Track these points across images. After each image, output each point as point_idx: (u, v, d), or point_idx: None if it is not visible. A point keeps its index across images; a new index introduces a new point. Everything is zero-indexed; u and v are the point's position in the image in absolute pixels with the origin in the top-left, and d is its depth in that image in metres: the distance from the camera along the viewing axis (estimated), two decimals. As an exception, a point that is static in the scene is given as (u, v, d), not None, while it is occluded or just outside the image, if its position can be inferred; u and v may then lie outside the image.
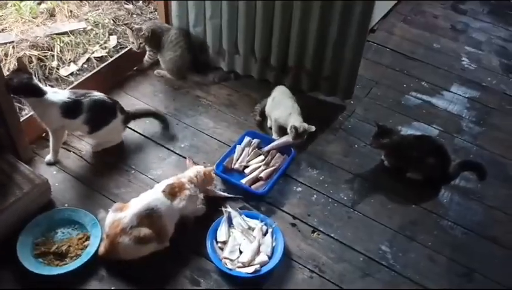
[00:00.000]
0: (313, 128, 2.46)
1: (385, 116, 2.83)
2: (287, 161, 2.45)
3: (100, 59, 3.08)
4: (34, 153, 2.42)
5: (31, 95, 2.16)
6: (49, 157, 2.38)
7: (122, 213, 1.93)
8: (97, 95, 2.35)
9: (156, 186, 2.07)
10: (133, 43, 2.85)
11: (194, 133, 2.64)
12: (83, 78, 2.80)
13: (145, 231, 1.90)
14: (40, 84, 2.21)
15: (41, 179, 2.12)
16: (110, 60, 2.96)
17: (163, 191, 2.01)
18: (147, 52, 2.95)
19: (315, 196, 2.35)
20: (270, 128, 2.65)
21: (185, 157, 2.45)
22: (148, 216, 1.92)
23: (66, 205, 2.19)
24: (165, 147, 2.54)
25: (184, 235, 2.10)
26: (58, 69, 2.98)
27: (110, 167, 2.40)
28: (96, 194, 2.27)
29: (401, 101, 2.97)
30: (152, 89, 2.91)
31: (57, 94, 2.25)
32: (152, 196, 1.99)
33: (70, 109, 2.25)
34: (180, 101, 2.84)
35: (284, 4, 2.60)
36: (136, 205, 1.96)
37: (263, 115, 2.71)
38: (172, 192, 2.02)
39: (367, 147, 2.58)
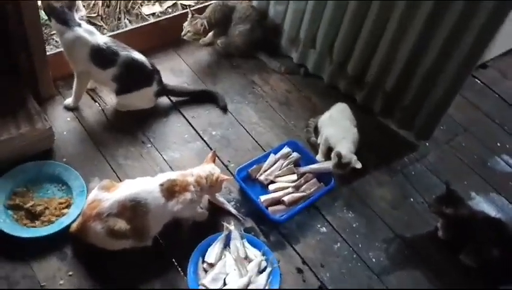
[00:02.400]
0: (359, 165, 2.01)
1: (460, 175, 2.29)
2: (321, 191, 2.04)
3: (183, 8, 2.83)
4: (57, 91, 2.21)
5: (59, 20, 1.94)
6: (68, 101, 2.15)
7: (106, 194, 1.65)
8: (138, 55, 2.08)
9: (157, 177, 1.76)
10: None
11: (231, 123, 2.29)
12: (146, 23, 2.54)
13: (121, 224, 1.61)
14: (74, 15, 1.98)
15: (44, 124, 1.89)
16: (177, 13, 2.67)
17: (161, 185, 1.69)
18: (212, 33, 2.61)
19: (339, 244, 1.93)
20: (319, 144, 2.23)
21: (210, 148, 2.12)
22: (133, 209, 1.63)
23: (64, 159, 1.96)
24: (193, 128, 2.22)
25: (173, 238, 1.80)
26: (141, 5, 2.79)
27: (126, 132, 2.13)
28: (99, 158, 2.02)
29: (487, 162, 2.40)
30: (207, 60, 2.58)
31: (93, 34, 2.01)
32: (145, 187, 1.68)
33: (102, 56, 2.00)
34: (232, 82, 2.49)
35: (381, 10, 2.12)
36: (124, 190, 1.67)
37: (317, 131, 2.28)
38: (171, 190, 1.70)
39: (424, 206, 2.10)
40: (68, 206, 1.80)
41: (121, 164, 2.01)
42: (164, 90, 2.21)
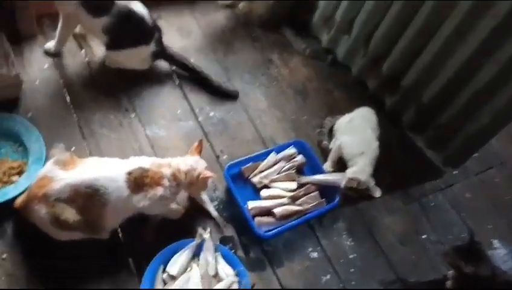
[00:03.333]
0: (378, 194, 1.71)
1: (486, 216, 1.96)
2: (321, 209, 1.72)
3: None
4: (40, 30, 1.87)
5: None
6: (50, 44, 1.82)
7: (60, 172, 1.35)
8: (139, 7, 1.73)
9: (128, 161, 1.45)
10: None
11: (233, 106, 1.95)
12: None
13: (69, 214, 1.31)
14: None
15: (9, 69, 1.57)
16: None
17: (128, 174, 1.38)
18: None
19: (328, 276, 1.63)
20: (330, 149, 1.89)
21: (204, 132, 1.80)
22: (88, 197, 1.33)
23: (30, 114, 1.65)
24: (189, 104, 1.89)
25: (136, 234, 1.51)
26: None
27: (109, 94, 1.81)
28: (71, 119, 1.71)
29: (520, 207, 2.06)
30: (223, 24, 2.22)
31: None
32: (109, 172, 1.37)
33: (94, 0, 1.65)
34: (246, 56, 2.14)
35: (437, 8, 1.74)
36: (83, 171, 1.36)
37: (331, 134, 1.94)
38: (139, 181, 1.39)
39: (437, 247, 1.78)
40: (20, 173, 1.51)
41: (95, 132, 1.70)
42: (163, 53, 1.87)
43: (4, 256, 1.38)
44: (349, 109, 1.95)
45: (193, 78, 1.94)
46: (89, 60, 1.87)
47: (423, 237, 1.83)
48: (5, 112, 1.60)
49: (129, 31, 1.74)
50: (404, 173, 1.97)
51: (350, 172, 1.75)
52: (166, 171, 1.44)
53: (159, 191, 1.42)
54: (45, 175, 1.35)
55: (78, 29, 1.88)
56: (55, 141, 1.59)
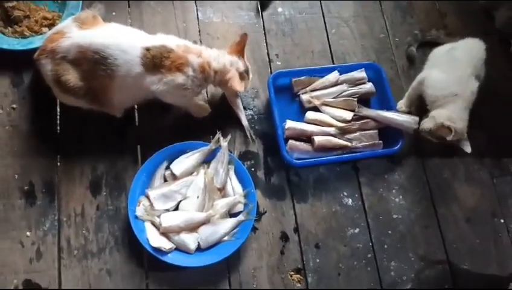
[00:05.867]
0: (468, 149, 1.33)
1: None
2: (374, 152, 1.40)
3: None
4: None
5: None
6: None
7: (75, 30, 1.20)
8: None
9: (151, 37, 1.24)
10: None
11: (312, 4, 1.62)
12: None
13: (70, 77, 1.17)
14: None
15: None
16: None
17: (146, 50, 1.19)
18: None
19: (357, 230, 1.34)
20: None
21: (264, 30, 1.52)
22: (94, 63, 1.17)
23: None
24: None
25: (153, 122, 1.36)
26: None
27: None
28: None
29: None
30: None
31: None
32: (123, 42, 1.19)
33: None
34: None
35: None
36: (98, 34, 1.20)
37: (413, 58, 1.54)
38: (157, 61, 1.19)
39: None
40: (51, 26, 1.40)
41: (142, 1, 1.51)
42: None
43: (14, 106, 1.33)
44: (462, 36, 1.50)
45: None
46: None
47: (500, 221, 1.42)
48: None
49: None
50: (505, 138, 1.51)
51: (443, 116, 1.33)
52: (193, 60, 1.22)
53: (179, 78, 1.21)
54: (61, 30, 1.22)
55: None
56: (98, 1, 1.44)
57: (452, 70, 1.39)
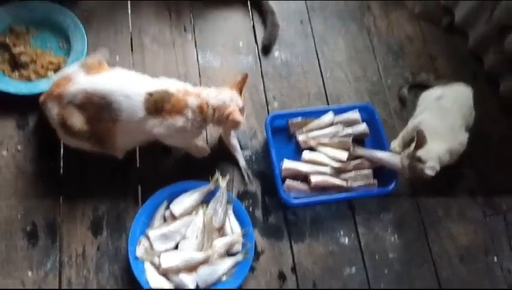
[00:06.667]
0: (430, 172, 1.30)
1: None
2: (369, 191, 1.43)
3: None
4: None
5: None
6: None
7: (81, 76, 1.25)
8: None
9: (154, 81, 1.30)
10: None
11: (307, 48, 1.69)
12: None
13: (76, 121, 1.22)
14: None
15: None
16: None
17: (149, 95, 1.24)
18: None
19: (354, 269, 1.37)
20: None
21: (262, 73, 1.59)
22: (100, 108, 1.21)
23: (85, 8, 1.58)
24: (254, 38, 1.67)
25: (154, 163, 1.40)
26: None
27: (173, 10, 1.67)
28: (125, 28, 1.60)
29: None
30: None
31: None
32: (128, 88, 1.24)
33: None
34: (340, -4, 1.81)
35: None
36: (103, 80, 1.25)
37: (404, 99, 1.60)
38: (159, 105, 1.24)
39: (509, 278, 1.40)
40: (56, 70, 1.46)
41: (145, 46, 1.59)
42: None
43: (19, 147, 1.37)
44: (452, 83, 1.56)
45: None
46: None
47: (494, 259, 1.44)
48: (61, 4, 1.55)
49: None
50: (496, 177, 1.56)
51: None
52: (193, 102, 1.27)
53: (179, 121, 1.26)
54: (67, 76, 1.27)
55: None
56: (102, 45, 1.51)
57: (445, 117, 1.42)
